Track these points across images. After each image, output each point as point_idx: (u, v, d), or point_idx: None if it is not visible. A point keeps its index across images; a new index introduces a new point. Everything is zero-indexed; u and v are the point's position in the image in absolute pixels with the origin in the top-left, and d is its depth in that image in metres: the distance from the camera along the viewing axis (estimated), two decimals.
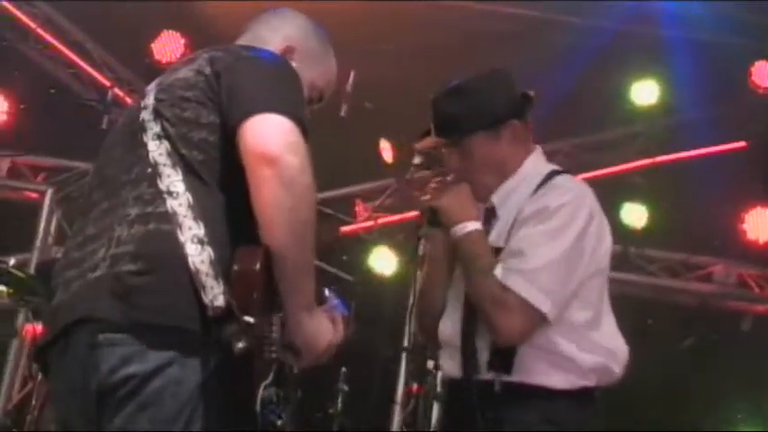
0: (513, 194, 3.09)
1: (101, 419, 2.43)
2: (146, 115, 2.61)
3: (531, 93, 3.19)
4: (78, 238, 2.60)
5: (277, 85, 2.57)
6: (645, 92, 8.07)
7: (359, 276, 7.57)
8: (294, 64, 2.79)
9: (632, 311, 8.14)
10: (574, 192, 3.02)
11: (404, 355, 8.06)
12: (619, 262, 8.52)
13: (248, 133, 2.44)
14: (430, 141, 3.16)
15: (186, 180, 2.48)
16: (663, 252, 8.87)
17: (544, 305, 2.87)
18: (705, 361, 8.47)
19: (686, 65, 7.55)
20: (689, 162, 8.25)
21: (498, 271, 2.92)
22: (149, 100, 2.64)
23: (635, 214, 8.49)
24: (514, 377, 2.92)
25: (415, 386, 8.21)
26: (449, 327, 3.10)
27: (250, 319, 2.35)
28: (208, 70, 2.59)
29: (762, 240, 8.34)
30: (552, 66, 7.17)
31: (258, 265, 2.40)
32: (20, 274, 6.62)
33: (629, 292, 8.57)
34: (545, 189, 3.03)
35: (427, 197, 3.13)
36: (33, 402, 6.14)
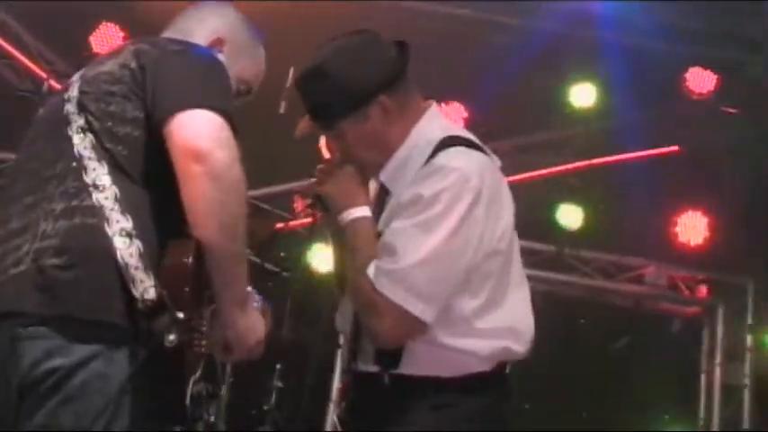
0: (404, 168, 2.84)
1: (22, 416, 2.39)
2: (70, 108, 2.58)
3: (406, 43, 2.90)
4: (1, 232, 2.56)
5: (204, 81, 2.56)
6: (583, 94, 8.14)
7: (296, 273, 7.55)
8: (222, 56, 2.79)
9: (565, 311, 8.26)
10: (456, 173, 2.69)
11: (339, 352, 8.08)
12: (553, 262, 8.64)
13: (176, 129, 2.43)
14: (305, 126, 2.93)
15: (112, 174, 2.47)
16: (596, 253, 8.96)
17: (416, 308, 2.65)
18: (635, 362, 8.57)
19: (623, 68, 7.62)
20: (624, 165, 8.33)
21: (371, 270, 2.70)
22: (73, 92, 2.61)
23: (570, 215, 8.56)
24: (403, 370, 2.75)
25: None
26: (340, 316, 2.96)
27: (181, 313, 2.34)
28: (133, 64, 2.57)
29: (692, 243, 8.45)
30: (490, 67, 7.22)
31: (190, 259, 2.40)
32: None
33: (564, 292, 8.68)
34: (425, 171, 2.75)
35: (314, 182, 2.95)
36: None
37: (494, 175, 2.82)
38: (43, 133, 2.65)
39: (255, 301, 2.73)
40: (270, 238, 7.69)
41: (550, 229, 8.49)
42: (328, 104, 2.85)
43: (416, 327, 2.70)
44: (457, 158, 2.76)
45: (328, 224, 3.00)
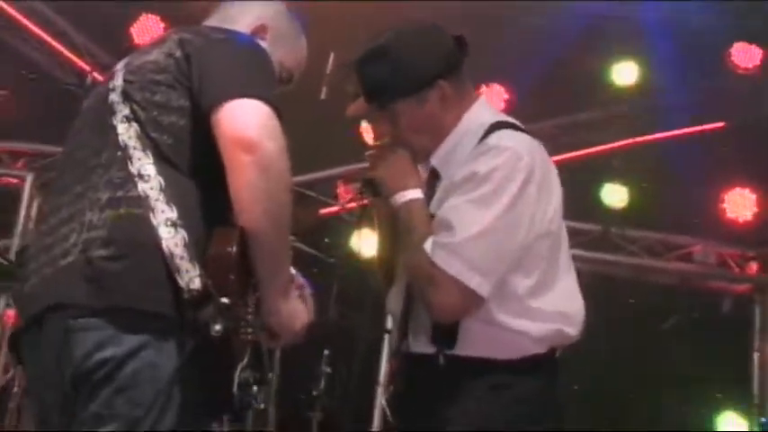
0: (455, 153, 2.89)
1: (76, 406, 2.42)
2: (114, 97, 2.59)
3: (464, 37, 2.94)
4: (51, 222, 2.58)
5: (250, 69, 2.56)
6: (625, 73, 8.08)
7: (341, 258, 7.57)
8: (264, 44, 2.78)
9: (613, 291, 8.22)
10: (509, 151, 2.75)
11: (386, 337, 8.10)
12: (599, 242, 8.59)
13: (225, 119, 2.43)
14: (358, 107, 2.95)
15: (157, 164, 2.48)
16: (643, 232, 8.90)
17: (472, 281, 2.69)
18: (686, 341, 8.52)
19: (665, 46, 7.55)
20: (668, 142, 8.26)
21: (428, 245, 2.74)
22: (118, 81, 2.62)
23: (615, 195, 8.52)
24: (459, 351, 2.78)
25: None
26: (393, 298, 2.99)
27: (227, 301, 2.35)
28: (178, 53, 2.57)
29: (741, 220, 8.38)
30: (532, 48, 7.18)
31: (234, 248, 2.40)
32: (1, 260, 6.62)
33: (610, 272, 8.64)
34: (478, 150, 2.81)
35: (366, 166, 2.97)
36: (15, 389, 6.14)
37: (543, 157, 2.86)
38: (89, 123, 2.66)
39: (301, 286, 2.75)
40: (314, 224, 7.72)
41: (595, 209, 8.44)
42: (388, 84, 2.87)
43: (473, 300, 2.73)
44: (509, 138, 2.82)
45: (377, 209, 3.03)
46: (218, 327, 2.33)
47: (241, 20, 2.85)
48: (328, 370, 6.86)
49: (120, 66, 2.70)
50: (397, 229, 2.92)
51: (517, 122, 2.97)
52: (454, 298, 2.72)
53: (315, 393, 6.90)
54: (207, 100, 2.48)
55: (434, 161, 2.95)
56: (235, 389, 2.42)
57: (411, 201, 2.85)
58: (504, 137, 2.83)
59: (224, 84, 2.49)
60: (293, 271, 2.68)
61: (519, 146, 2.80)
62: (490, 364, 2.78)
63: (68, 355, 2.41)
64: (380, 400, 8.30)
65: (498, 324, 2.77)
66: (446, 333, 2.79)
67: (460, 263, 2.70)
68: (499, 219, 2.72)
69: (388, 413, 8.13)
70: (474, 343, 2.78)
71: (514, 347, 2.79)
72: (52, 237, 2.53)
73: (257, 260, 2.48)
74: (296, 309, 2.64)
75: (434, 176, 2.96)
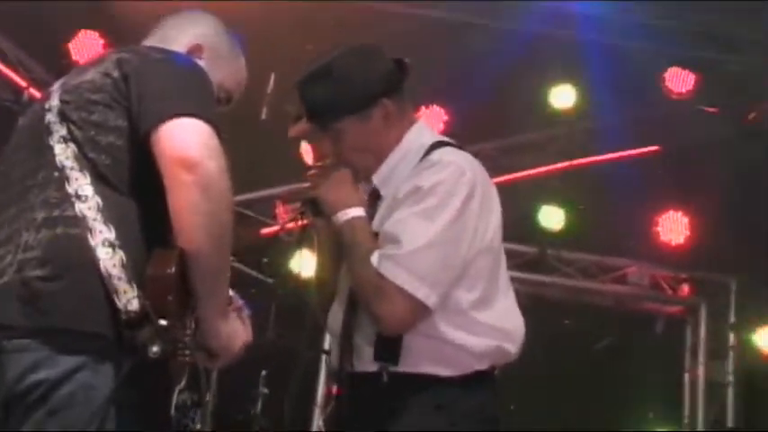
0: (395, 172, 2.94)
1: (8, 429, 2.38)
2: (51, 117, 2.56)
3: (406, 60, 3.00)
4: None
5: (189, 89, 2.55)
6: (562, 96, 8.15)
7: (280, 279, 7.54)
8: (202, 63, 2.77)
9: (549, 312, 8.28)
10: (452, 166, 2.82)
11: (323, 357, 8.08)
12: (536, 263, 8.66)
13: (164, 138, 2.41)
14: (300, 128, 2.99)
15: (95, 184, 2.45)
16: (579, 254, 8.99)
17: (419, 291, 2.71)
18: (619, 362, 8.60)
19: (602, 69, 7.63)
20: (605, 165, 8.35)
21: (374, 258, 2.76)
22: (54, 101, 2.59)
23: (552, 216, 8.59)
24: (402, 367, 2.79)
25: (334, 388, 8.23)
26: (333, 317, 2.98)
27: (165, 323, 2.33)
28: (116, 73, 2.55)
29: (674, 243, 8.49)
30: (470, 69, 7.23)
31: (173, 269, 2.38)
32: None
33: (546, 294, 8.71)
34: (421, 166, 2.86)
35: (307, 186, 3.00)
36: None
37: (484, 175, 2.91)
38: (25, 143, 2.63)
39: (239, 308, 2.74)
40: (253, 244, 7.69)
41: (533, 231, 8.52)
42: (331, 103, 2.91)
43: (420, 311, 2.76)
44: (452, 154, 2.90)
45: (318, 229, 3.05)
46: (155, 348, 2.31)
47: (178, 40, 2.84)
48: (266, 391, 6.83)
49: (56, 86, 2.67)
50: (338, 249, 2.95)
51: (456, 142, 3.02)
52: (401, 309, 2.75)
53: (252, 414, 6.86)
54: (146, 120, 2.45)
55: (376, 180, 2.98)
56: (172, 411, 2.41)
57: (354, 218, 2.88)
58: (446, 153, 2.90)
59: (163, 103, 2.47)
60: (231, 292, 2.66)
61: (462, 162, 2.86)
62: (433, 380, 2.79)
63: (1, 378, 2.37)
64: (318, 421, 8.27)
65: (441, 338, 2.79)
66: (389, 349, 2.80)
67: (407, 273, 2.73)
68: (444, 231, 2.75)
69: None
70: (417, 359, 2.80)
71: (457, 363, 2.81)
72: None
73: (197, 280, 2.45)
74: (235, 329, 2.62)
75: (375, 196, 2.99)
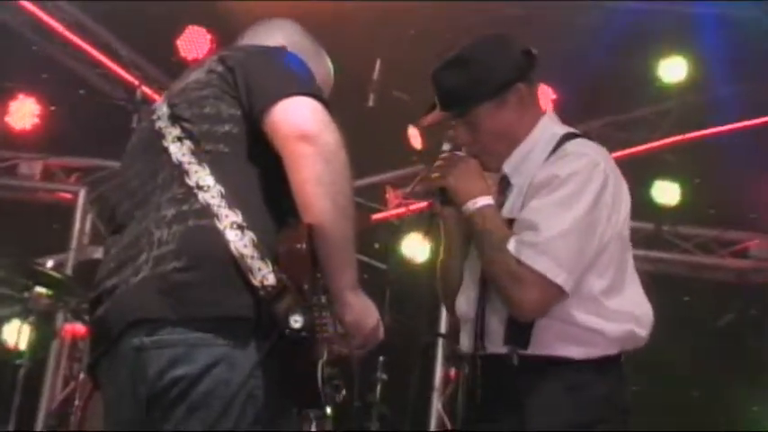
0: (526, 161, 3.02)
1: (151, 425, 2.43)
2: (161, 123, 2.62)
3: (534, 50, 3.07)
4: (114, 250, 2.59)
5: (294, 72, 2.60)
6: (673, 69, 8.01)
7: (392, 264, 7.56)
8: None
9: (667, 290, 8.12)
10: (586, 158, 2.91)
11: (440, 341, 8.09)
12: (652, 240, 8.51)
13: (282, 115, 2.47)
14: (434, 117, 3.08)
15: (215, 173, 2.50)
16: (697, 229, 8.83)
17: (559, 277, 2.80)
18: (745, 336, 8.42)
19: (714, 40, 7.48)
20: (719, 137, 8.18)
21: (511, 245, 2.85)
22: (162, 109, 2.66)
23: (667, 192, 8.46)
24: (533, 350, 2.87)
25: (453, 371, 8.23)
26: (464, 302, 3.06)
27: (303, 294, 2.36)
28: (220, 68, 2.61)
29: None
30: (579, 48, 7.15)
31: (305, 245, 2.41)
32: (57, 275, 6.69)
33: (664, 271, 8.55)
34: (556, 156, 2.95)
35: (435, 175, 3.06)
36: (76, 402, 6.20)
37: (615, 167, 2.98)
38: (138, 155, 2.69)
39: None
40: (365, 230, 7.72)
41: (647, 207, 8.37)
42: (468, 90, 3.00)
43: (557, 297, 2.84)
44: (586, 146, 2.99)
45: (445, 217, 3.12)
46: (297, 317, 2.33)
47: (266, 43, 2.88)
48: (384, 377, 6.85)
49: (158, 102, 2.75)
50: (464, 237, 3.05)
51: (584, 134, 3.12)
52: (539, 294, 2.82)
53: (371, 401, 6.90)
54: (260, 102, 2.51)
55: (507, 168, 3.05)
56: (320, 382, 2.41)
57: (484, 207, 2.94)
58: (581, 144, 2.98)
59: (274, 85, 2.53)
60: None
61: (596, 153, 2.95)
62: (564, 363, 2.86)
63: (142, 374, 2.41)
64: (437, 404, 8.29)
65: (575, 322, 2.86)
66: (520, 332, 2.88)
67: (547, 260, 2.81)
68: (580, 219, 2.84)
69: (446, 418, 8.13)
70: (548, 342, 2.87)
71: (588, 347, 2.88)
72: (119, 260, 2.54)
73: (325, 254, 2.46)
74: (367, 305, 2.60)
75: (504, 184, 3.06)
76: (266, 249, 2.41)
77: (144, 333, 2.41)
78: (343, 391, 2.55)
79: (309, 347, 2.40)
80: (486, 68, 3.00)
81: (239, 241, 2.40)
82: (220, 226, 2.42)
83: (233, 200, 2.46)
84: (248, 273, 2.38)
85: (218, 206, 2.44)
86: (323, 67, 2.98)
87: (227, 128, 2.55)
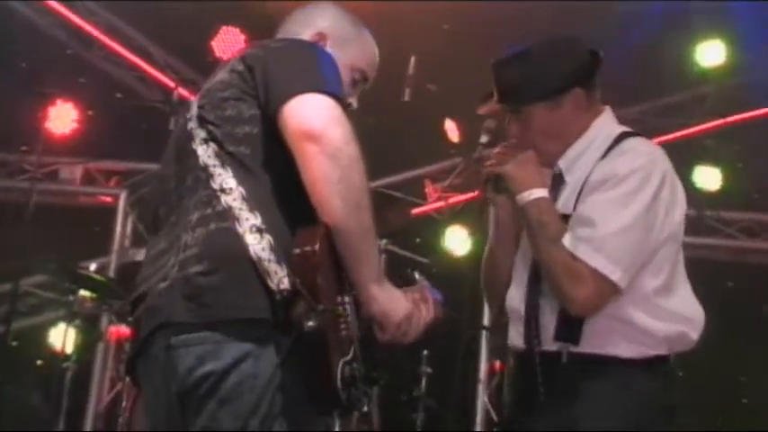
0: (580, 159, 3.01)
1: (185, 421, 2.50)
2: (192, 125, 2.67)
3: (600, 52, 3.09)
4: (151, 253, 2.67)
5: (309, 66, 2.60)
6: (711, 53, 7.95)
7: (434, 258, 7.56)
8: (328, 50, 2.81)
9: (711, 275, 8.04)
10: (645, 156, 2.91)
11: (484, 334, 8.07)
12: (694, 226, 8.44)
13: (289, 115, 2.49)
14: (491, 107, 3.07)
15: (237, 175, 2.54)
16: (740, 213, 8.75)
17: (614, 274, 2.79)
18: None
19: (752, 23, 7.41)
20: (760, 121, 8.10)
21: (567, 240, 2.84)
22: (193, 110, 2.70)
23: (708, 177, 8.40)
24: (583, 348, 2.86)
25: (497, 363, 8.21)
26: (515, 296, 3.03)
27: (317, 297, 2.39)
28: (240, 67, 2.64)
29: None
30: (616, 33, 7.09)
31: (317, 246, 2.43)
32: (101, 278, 6.76)
33: (707, 256, 8.47)
34: (614, 153, 2.94)
35: (492, 162, 3.04)
36: (123, 403, 6.25)
37: (671, 167, 2.97)
38: (174, 156, 2.74)
39: (424, 287, 2.75)
40: (406, 225, 7.72)
41: (688, 193, 8.29)
42: (525, 87, 3.00)
43: (611, 294, 2.83)
44: (644, 145, 2.99)
45: (497, 206, 3.12)
46: (310, 323, 2.37)
47: (300, 34, 2.89)
48: (429, 370, 6.85)
49: (193, 99, 2.78)
50: (516, 228, 3.06)
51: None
52: (594, 290, 2.81)
53: (416, 394, 6.90)
54: (272, 103, 2.54)
55: (562, 164, 3.03)
56: (338, 383, 2.43)
57: (539, 198, 2.93)
58: (638, 143, 2.98)
59: (284, 84, 2.54)
60: (419, 276, 2.75)
61: (654, 153, 2.96)
62: (614, 362, 2.85)
63: (172, 372, 2.48)
64: (482, 397, 8.27)
65: (627, 320, 2.86)
66: (571, 329, 2.87)
67: (604, 256, 2.80)
68: (638, 217, 2.83)
69: (492, 412, 8.11)
70: (599, 339, 2.86)
71: (638, 346, 2.87)
72: (154, 266, 2.62)
73: (344, 251, 2.50)
74: (393, 295, 2.61)
75: (559, 180, 3.04)
76: (282, 253, 2.45)
77: (171, 334, 2.48)
78: (371, 399, 2.56)
79: (325, 349, 2.43)
80: (545, 70, 3.00)
81: (257, 245, 2.45)
82: (240, 229, 2.47)
83: (253, 202, 2.50)
84: (266, 276, 2.44)
85: (240, 209, 2.49)
86: (366, 50, 2.98)
87: (247, 129, 2.58)
